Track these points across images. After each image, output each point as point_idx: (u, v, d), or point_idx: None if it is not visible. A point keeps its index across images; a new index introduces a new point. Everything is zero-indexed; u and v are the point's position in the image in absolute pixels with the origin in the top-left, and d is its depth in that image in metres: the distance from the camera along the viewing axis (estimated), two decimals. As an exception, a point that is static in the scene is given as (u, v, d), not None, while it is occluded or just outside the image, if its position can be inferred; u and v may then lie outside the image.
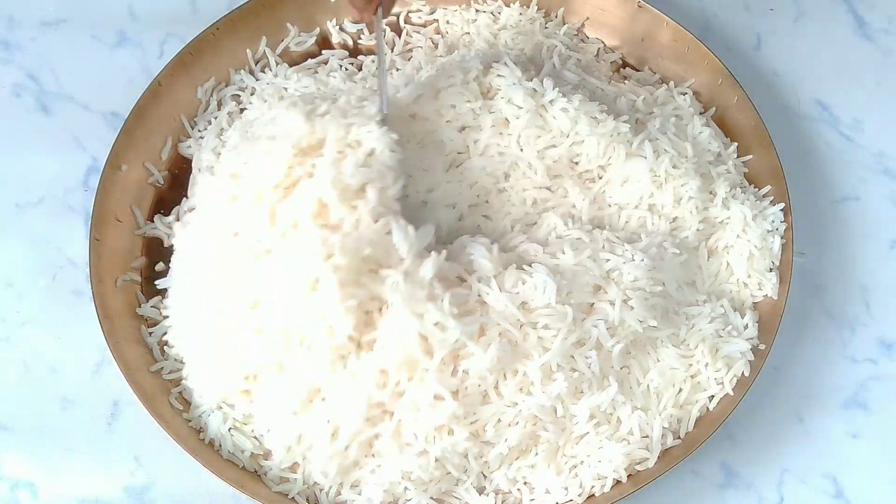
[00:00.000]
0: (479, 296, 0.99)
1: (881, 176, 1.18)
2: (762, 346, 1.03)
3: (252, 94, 1.18)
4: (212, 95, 1.17)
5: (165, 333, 1.06)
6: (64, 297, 1.10)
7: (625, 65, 1.20)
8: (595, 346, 1.00)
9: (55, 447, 1.04)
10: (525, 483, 0.99)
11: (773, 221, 1.08)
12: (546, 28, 1.19)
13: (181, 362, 1.04)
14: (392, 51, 1.20)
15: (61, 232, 1.13)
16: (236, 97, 1.18)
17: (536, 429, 0.98)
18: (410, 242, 0.97)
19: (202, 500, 1.02)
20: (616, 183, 1.08)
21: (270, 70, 1.19)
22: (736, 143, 1.14)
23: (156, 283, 1.08)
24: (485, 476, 0.99)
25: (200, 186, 1.10)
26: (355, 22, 1.20)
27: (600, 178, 1.08)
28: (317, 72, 1.19)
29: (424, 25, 1.21)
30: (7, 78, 1.22)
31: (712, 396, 1.02)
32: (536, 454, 0.98)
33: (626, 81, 1.17)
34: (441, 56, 1.17)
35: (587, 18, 1.20)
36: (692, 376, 1.02)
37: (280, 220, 0.98)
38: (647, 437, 0.99)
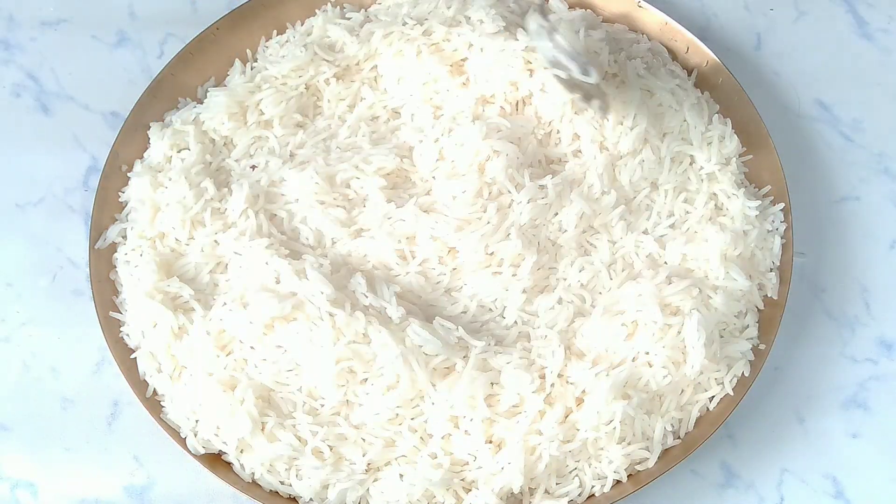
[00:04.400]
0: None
1: (881, 176, 1.18)
2: (762, 346, 1.03)
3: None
4: (212, 95, 1.17)
5: None
6: (64, 297, 1.10)
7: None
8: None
9: (55, 447, 1.04)
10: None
11: (773, 221, 1.08)
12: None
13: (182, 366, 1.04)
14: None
15: (61, 232, 1.13)
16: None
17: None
18: None
19: (202, 499, 1.02)
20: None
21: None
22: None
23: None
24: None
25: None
26: None
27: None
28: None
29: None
30: (7, 78, 1.22)
31: (712, 397, 1.01)
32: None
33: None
34: None
35: (587, 18, 1.20)
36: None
37: None
38: (647, 437, 0.99)
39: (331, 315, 0.98)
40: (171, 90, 1.16)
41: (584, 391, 0.99)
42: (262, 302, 0.99)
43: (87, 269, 1.06)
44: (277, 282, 1.01)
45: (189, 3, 1.28)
